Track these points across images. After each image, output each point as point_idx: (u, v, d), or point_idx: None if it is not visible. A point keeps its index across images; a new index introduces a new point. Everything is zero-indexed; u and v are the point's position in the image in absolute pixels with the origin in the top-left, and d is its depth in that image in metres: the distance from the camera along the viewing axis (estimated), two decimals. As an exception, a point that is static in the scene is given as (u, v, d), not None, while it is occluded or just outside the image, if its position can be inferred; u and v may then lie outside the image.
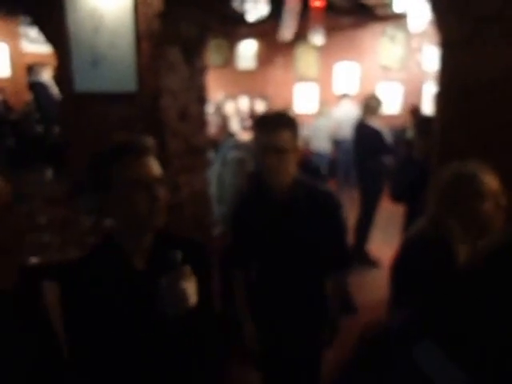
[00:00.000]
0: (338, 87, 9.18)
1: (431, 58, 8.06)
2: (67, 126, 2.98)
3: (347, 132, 5.73)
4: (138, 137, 1.27)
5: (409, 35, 8.27)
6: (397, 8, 6.17)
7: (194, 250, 1.31)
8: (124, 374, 1.21)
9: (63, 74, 2.74)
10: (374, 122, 4.41)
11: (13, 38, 6.97)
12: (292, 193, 1.76)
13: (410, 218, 2.94)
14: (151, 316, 1.18)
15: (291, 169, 1.74)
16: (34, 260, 2.60)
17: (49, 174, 4.47)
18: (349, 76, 9.11)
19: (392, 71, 8.71)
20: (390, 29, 8.58)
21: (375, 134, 4.36)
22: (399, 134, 6.67)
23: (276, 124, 1.68)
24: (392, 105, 8.26)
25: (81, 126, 2.81)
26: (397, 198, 3.17)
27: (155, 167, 1.25)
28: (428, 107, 7.45)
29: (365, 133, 4.42)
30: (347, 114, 6.88)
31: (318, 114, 7.44)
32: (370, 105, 4.38)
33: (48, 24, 2.73)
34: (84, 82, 2.68)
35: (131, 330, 1.20)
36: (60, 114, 3.17)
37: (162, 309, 1.14)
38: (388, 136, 4.51)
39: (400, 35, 8.50)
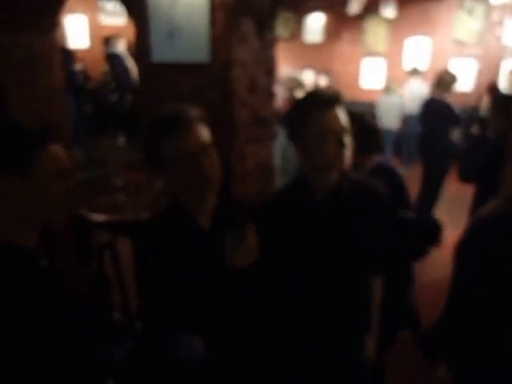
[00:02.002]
0: (408, 63, 8.83)
1: (512, 32, 7.56)
2: (142, 95, 3.15)
3: (414, 108, 5.60)
4: (183, 108, 1.27)
5: (489, 8, 7.75)
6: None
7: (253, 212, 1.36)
8: (192, 323, 1.29)
9: (141, 44, 2.89)
10: (446, 98, 4.28)
11: (92, 11, 7.34)
12: (338, 190, 1.44)
13: (479, 200, 2.86)
14: (217, 271, 1.25)
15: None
16: (106, 217, 2.83)
17: (121, 140, 4.75)
18: (419, 51, 8.72)
19: (467, 46, 8.23)
20: (468, 1, 8.08)
21: (446, 107, 4.22)
22: (471, 112, 6.38)
23: (332, 100, 1.37)
24: (465, 82, 7.84)
25: (155, 95, 2.96)
26: (466, 178, 3.06)
27: (203, 136, 1.26)
28: (506, 85, 7.02)
29: (435, 106, 4.29)
30: (419, 90, 6.67)
31: (386, 91, 7.26)
32: (444, 80, 4.23)
33: (129, -4, 2.87)
34: (160, 53, 2.81)
35: (199, 285, 1.27)
36: (138, 83, 3.35)
37: (228, 261, 1.23)
38: (459, 112, 4.36)
39: (479, 8, 7.98)
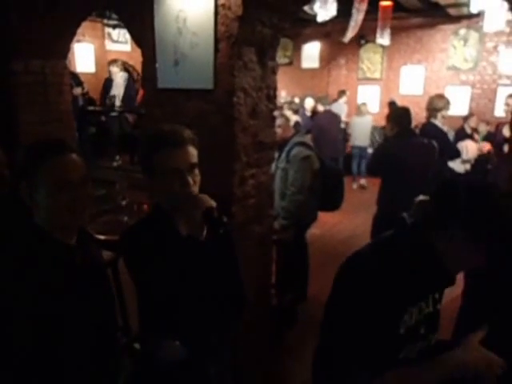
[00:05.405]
0: (404, 89, 9.05)
1: (507, 59, 7.81)
2: (147, 118, 3.25)
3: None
4: (175, 128, 1.44)
5: (483, 36, 8.00)
6: (474, 7, 5.88)
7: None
8: (173, 326, 1.40)
9: (147, 71, 3.00)
10: (438, 123, 4.36)
11: (98, 39, 7.59)
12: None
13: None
14: (195, 276, 1.38)
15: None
16: (107, 237, 2.90)
17: (123, 161, 4.85)
18: (415, 78, 8.96)
19: (461, 74, 8.46)
20: (462, 29, 8.34)
21: (439, 135, 4.27)
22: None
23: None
24: (460, 108, 8.03)
25: (159, 119, 3.06)
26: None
27: (191, 155, 1.42)
28: (501, 110, 7.25)
29: (428, 133, 4.36)
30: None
31: (358, 113, 8.21)
32: (433, 105, 4.34)
33: (137, 26, 2.99)
34: (166, 80, 2.91)
35: (177, 288, 1.37)
36: (144, 107, 3.46)
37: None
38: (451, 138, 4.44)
39: (473, 36, 8.24)
